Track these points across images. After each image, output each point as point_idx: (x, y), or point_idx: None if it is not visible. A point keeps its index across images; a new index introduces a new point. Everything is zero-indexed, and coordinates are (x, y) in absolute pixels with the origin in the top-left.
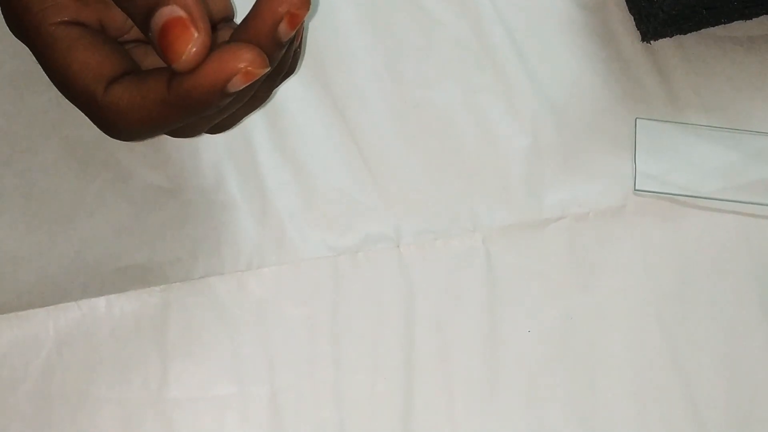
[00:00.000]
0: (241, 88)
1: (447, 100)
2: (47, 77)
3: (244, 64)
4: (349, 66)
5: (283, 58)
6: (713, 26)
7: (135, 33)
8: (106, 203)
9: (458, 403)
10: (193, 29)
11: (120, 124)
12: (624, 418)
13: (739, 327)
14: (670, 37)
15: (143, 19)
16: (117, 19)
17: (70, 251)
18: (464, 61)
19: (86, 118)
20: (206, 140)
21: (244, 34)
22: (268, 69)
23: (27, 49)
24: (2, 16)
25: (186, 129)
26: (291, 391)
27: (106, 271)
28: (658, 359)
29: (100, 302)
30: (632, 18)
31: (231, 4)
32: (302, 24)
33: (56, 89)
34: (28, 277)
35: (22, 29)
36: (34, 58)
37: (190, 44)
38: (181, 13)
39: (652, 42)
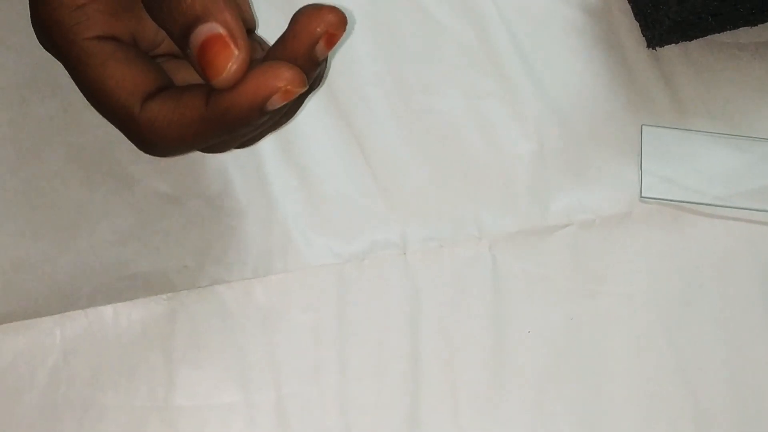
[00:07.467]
0: (279, 106)
1: (451, 106)
2: (81, 93)
3: (284, 83)
4: (354, 72)
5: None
6: (719, 33)
7: (166, 47)
8: (111, 211)
9: (464, 409)
10: (233, 47)
11: (156, 141)
12: (629, 424)
13: (744, 334)
14: (676, 43)
15: (182, 36)
16: (149, 33)
17: (76, 259)
18: (469, 66)
19: (92, 125)
20: None
21: (281, 52)
22: (306, 88)
23: (32, 56)
24: (33, 29)
25: (218, 145)
26: (297, 398)
27: (112, 279)
28: (663, 365)
29: (107, 310)
30: (638, 24)
31: (253, 16)
32: None
33: (61, 97)
34: (35, 286)
35: (54, 44)
36: (40, 65)
37: (231, 61)
38: (221, 30)
39: (657, 48)
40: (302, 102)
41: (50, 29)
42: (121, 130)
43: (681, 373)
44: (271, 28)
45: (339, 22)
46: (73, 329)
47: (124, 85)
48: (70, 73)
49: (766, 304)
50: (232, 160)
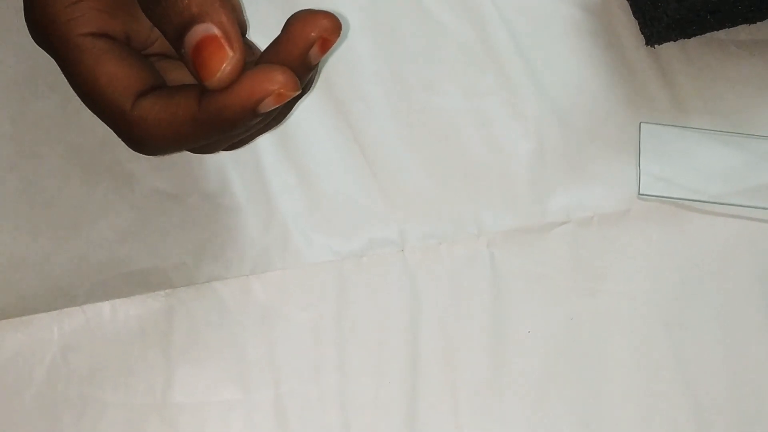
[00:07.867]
0: (271, 108)
1: (451, 104)
2: (73, 90)
3: (277, 86)
4: (353, 70)
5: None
6: (717, 30)
7: (158, 46)
8: (110, 208)
9: (463, 407)
10: (228, 48)
11: (147, 140)
12: (629, 424)
13: (743, 331)
14: (675, 41)
15: (176, 36)
16: (143, 31)
17: (74, 256)
18: (468, 65)
19: (90, 123)
20: None
21: (274, 55)
22: (299, 91)
23: (31, 53)
24: (26, 25)
25: (208, 146)
26: (296, 395)
27: (110, 276)
28: (662, 363)
29: (105, 307)
30: (636, 22)
31: (245, 19)
32: None
33: (60, 95)
34: (33, 282)
35: (47, 40)
36: (39, 63)
37: (225, 63)
38: (216, 31)
39: (656, 46)
40: (293, 105)
41: (44, 25)
42: (111, 127)
43: (681, 372)
44: (269, 25)
45: (333, 28)
46: (71, 326)
47: (116, 83)
48: (62, 70)
49: (764, 301)
50: (231, 157)
